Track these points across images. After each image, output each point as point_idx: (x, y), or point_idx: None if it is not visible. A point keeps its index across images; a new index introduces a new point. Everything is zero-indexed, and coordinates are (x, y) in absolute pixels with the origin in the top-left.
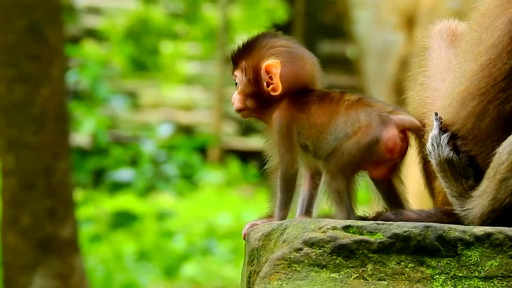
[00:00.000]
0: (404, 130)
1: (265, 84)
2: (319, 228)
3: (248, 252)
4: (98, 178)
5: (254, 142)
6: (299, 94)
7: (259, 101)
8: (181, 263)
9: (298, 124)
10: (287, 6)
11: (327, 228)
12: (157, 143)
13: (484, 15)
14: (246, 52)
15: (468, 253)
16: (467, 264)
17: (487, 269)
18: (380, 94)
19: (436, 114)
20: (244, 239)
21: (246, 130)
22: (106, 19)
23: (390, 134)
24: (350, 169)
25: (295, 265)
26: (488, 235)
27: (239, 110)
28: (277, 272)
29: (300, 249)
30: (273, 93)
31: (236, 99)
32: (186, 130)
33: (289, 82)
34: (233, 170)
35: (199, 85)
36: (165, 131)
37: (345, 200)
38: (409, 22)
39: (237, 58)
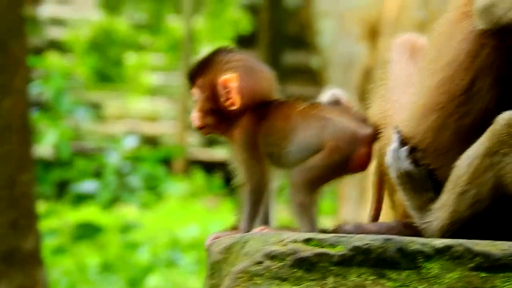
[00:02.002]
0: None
1: (223, 99)
2: (280, 241)
3: (210, 265)
4: (62, 190)
5: (218, 153)
6: (259, 107)
7: (219, 117)
8: (145, 275)
9: (261, 133)
10: (251, 17)
11: (288, 241)
12: (121, 154)
13: (441, 34)
14: (203, 69)
15: (428, 265)
16: (427, 276)
17: (447, 282)
18: None
19: (396, 127)
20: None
21: (211, 141)
22: (70, 31)
23: (361, 153)
24: (316, 183)
25: (256, 278)
26: (448, 248)
27: (199, 128)
28: (238, 286)
29: (261, 262)
30: (231, 108)
31: (195, 117)
32: (150, 141)
33: (247, 95)
34: (198, 181)
35: (163, 96)
36: (130, 142)
37: (309, 213)
38: (373, 33)
39: (194, 75)
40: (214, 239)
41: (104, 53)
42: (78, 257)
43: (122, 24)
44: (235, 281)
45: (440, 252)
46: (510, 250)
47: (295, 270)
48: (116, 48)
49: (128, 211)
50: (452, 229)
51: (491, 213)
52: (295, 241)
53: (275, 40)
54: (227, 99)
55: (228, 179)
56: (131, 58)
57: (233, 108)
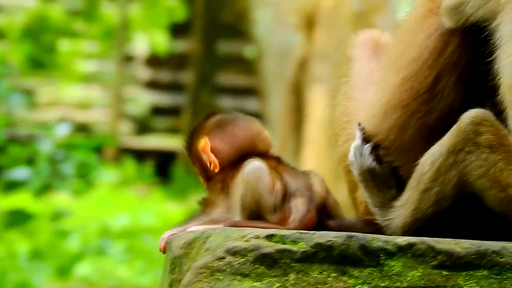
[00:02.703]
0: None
1: (208, 165)
2: (242, 237)
3: (170, 260)
4: None
5: (150, 141)
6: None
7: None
8: (75, 262)
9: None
10: (186, 5)
11: (250, 237)
12: (54, 142)
13: (405, 32)
14: (188, 145)
15: (390, 263)
16: (389, 274)
17: (410, 280)
18: (279, 94)
19: (359, 124)
20: (163, 253)
21: (142, 129)
22: (4, 16)
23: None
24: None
25: (218, 274)
26: (410, 245)
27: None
28: (200, 281)
29: (223, 257)
30: (216, 171)
31: (206, 188)
32: (82, 129)
33: (225, 153)
34: (129, 169)
35: (96, 84)
36: (62, 130)
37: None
38: (309, 23)
39: (187, 154)
40: (169, 237)
41: (38, 39)
42: (8, 244)
43: (56, 10)
44: (196, 276)
45: (403, 250)
46: (473, 248)
47: (257, 266)
48: (50, 35)
49: (60, 199)
50: (415, 227)
51: (455, 211)
52: (257, 237)
53: (209, 29)
54: (210, 163)
55: (159, 168)
56: (64, 45)
57: (217, 169)
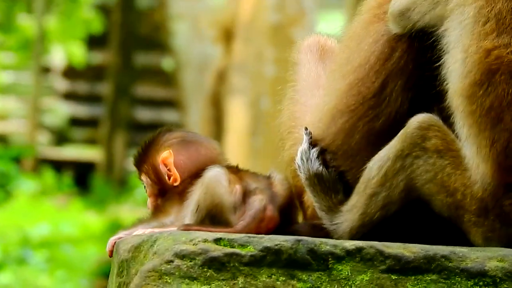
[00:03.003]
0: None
1: (166, 177)
2: (190, 241)
3: (117, 263)
4: None
5: (68, 152)
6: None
7: (167, 193)
8: None
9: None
10: (103, 17)
11: (198, 241)
12: None
13: (351, 37)
14: (144, 155)
15: (339, 267)
16: (338, 278)
17: (358, 284)
18: (197, 106)
19: (306, 128)
20: (110, 256)
21: (60, 140)
22: None
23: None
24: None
25: (166, 277)
26: (359, 250)
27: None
28: (148, 284)
29: (171, 261)
30: (175, 184)
31: (149, 203)
32: (0, 139)
33: (187, 168)
34: (47, 179)
35: (13, 95)
36: None
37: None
38: (227, 35)
39: (138, 163)
40: (116, 240)
41: None
42: None
43: None
44: (145, 280)
45: (351, 254)
46: (422, 253)
47: (205, 269)
48: None
49: None
50: (362, 231)
51: (403, 216)
52: (205, 241)
53: (126, 41)
54: (169, 176)
55: (78, 178)
56: None
57: (177, 184)
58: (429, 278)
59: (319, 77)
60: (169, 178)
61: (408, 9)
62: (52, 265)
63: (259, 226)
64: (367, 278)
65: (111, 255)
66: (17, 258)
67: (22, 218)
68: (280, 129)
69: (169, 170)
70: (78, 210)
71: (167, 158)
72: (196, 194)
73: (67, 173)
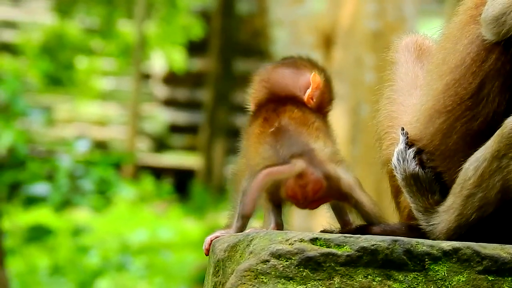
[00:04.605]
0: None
1: (307, 97)
2: (286, 240)
3: (213, 263)
4: (14, 192)
5: (167, 159)
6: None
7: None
8: (95, 278)
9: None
10: (203, 23)
11: (294, 240)
12: (73, 158)
13: (447, 38)
14: (291, 67)
15: (435, 267)
16: (434, 279)
17: (455, 284)
18: None
19: (403, 128)
20: (207, 255)
21: (160, 147)
22: (22, 34)
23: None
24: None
25: (262, 277)
26: (456, 250)
27: None
28: (244, 284)
29: (267, 260)
30: (310, 106)
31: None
32: (100, 146)
33: (320, 99)
34: (147, 186)
35: (113, 101)
36: (81, 146)
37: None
38: (327, 42)
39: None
40: (213, 239)
41: (55, 57)
42: (29, 260)
43: (74, 28)
44: (241, 279)
45: (448, 255)
46: None
47: (301, 269)
48: (68, 52)
49: (79, 215)
50: (458, 232)
51: (499, 216)
52: (301, 240)
53: (226, 47)
54: (312, 97)
55: (177, 185)
56: (82, 62)
57: (312, 106)
58: None
59: (416, 76)
60: (312, 99)
61: (503, 13)
62: (151, 272)
63: (305, 191)
64: (464, 279)
65: (207, 254)
66: (116, 265)
67: (121, 225)
68: (377, 129)
69: (314, 92)
70: (177, 217)
71: (320, 82)
72: None
73: (166, 180)
